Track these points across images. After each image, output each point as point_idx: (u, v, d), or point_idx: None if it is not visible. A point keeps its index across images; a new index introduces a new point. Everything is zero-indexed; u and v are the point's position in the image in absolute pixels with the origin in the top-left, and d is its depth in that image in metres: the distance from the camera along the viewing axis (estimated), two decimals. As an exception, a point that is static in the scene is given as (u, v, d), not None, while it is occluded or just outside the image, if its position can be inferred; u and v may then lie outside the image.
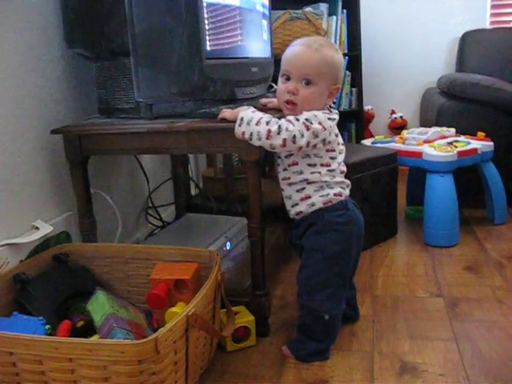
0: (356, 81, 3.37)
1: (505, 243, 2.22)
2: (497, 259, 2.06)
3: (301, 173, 1.40)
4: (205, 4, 1.42)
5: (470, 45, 3.27)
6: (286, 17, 2.84)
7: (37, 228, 1.55)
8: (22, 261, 1.46)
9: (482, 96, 2.52)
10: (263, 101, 1.61)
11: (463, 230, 2.30)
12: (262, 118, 1.33)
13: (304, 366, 1.42)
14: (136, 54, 1.43)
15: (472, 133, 2.44)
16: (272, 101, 1.57)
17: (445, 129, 2.46)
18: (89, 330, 1.30)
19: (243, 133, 1.34)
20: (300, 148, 1.33)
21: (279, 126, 1.31)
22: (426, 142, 2.30)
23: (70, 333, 1.29)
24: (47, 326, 1.23)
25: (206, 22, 1.43)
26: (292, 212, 1.46)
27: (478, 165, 2.35)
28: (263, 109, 1.54)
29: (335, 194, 1.41)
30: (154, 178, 2.27)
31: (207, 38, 1.43)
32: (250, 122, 1.33)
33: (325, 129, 1.35)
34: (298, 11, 2.88)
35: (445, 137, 2.39)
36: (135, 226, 2.18)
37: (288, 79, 1.40)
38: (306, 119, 1.33)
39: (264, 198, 2.12)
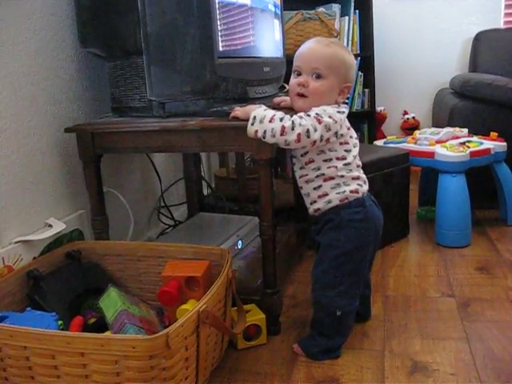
0: (368, 81, 3.37)
1: (518, 244, 2.21)
2: (509, 260, 2.05)
3: (318, 169, 1.41)
4: (217, 4, 1.43)
5: (483, 45, 3.25)
6: (298, 17, 2.84)
7: (50, 225, 1.56)
8: (35, 257, 1.48)
9: (495, 96, 2.50)
10: (276, 100, 1.61)
11: (475, 230, 2.29)
12: (275, 115, 1.34)
13: (314, 364, 1.42)
14: (149, 53, 1.44)
15: (485, 133, 2.42)
16: (285, 99, 1.57)
17: (457, 129, 2.45)
18: (101, 326, 1.31)
19: (256, 131, 1.35)
20: (314, 142, 1.34)
21: (293, 122, 1.32)
22: (439, 142, 2.30)
23: (82, 329, 1.31)
24: (60, 322, 1.24)
25: (219, 21, 1.44)
26: (311, 209, 1.47)
27: (491, 165, 2.33)
28: (276, 108, 1.55)
29: (351, 191, 1.41)
30: (166, 178, 2.28)
31: (219, 37, 1.44)
32: (263, 119, 1.34)
33: (336, 121, 1.36)
34: (310, 12, 2.89)
35: (457, 137, 2.38)
36: (147, 225, 2.19)
37: (299, 74, 1.43)
38: (317, 114, 1.35)
39: (276, 197, 2.13)
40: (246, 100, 1.57)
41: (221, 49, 1.45)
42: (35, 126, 1.54)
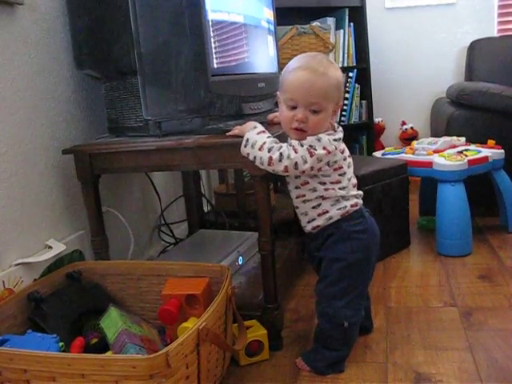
0: (365, 93, 3.38)
1: (519, 251, 2.20)
2: (511, 267, 2.04)
3: (315, 190, 1.41)
4: (210, 22, 1.45)
5: (478, 53, 3.27)
6: (293, 32, 2.87)
7: (50, 247, 1.57)
8: (35, 279, 1.48)
9: (491, 104, 2.51)
10: (270, 116, 1.62)
11: (476, 238, 2.29)
12: (265, 142, 1.34)
13: (318, 378, 1.42)
14: (143, 74, 1.45)
15: (482, 141, 2.43)
16: (278, 115, 1.58)
17: (455, 138, 2.46)
18: (103, 346, 1.31)
19: (248, 154, 1.37)
20: (303, 172, 1.35)
21: (281, 154, 1.32)
22: (436, 151, 2.30)
23: (83, 349, 1.31)
24: (61, 344, 1.24)
25: (213, 39, 1.45)
26: (308, 227, 1.47)
27: (490, 173, 2.34)
28: (270, 123, 1.56)
29: (352, 205, 1.42)
30: (166, 195, 2.29)
31: (213, 55, 1.46)
32: (254, 145, 1.35)
33: (329, 152, 1.35)
34: (305, 26, 2.90)
35: (455, 146, 2.39)
36: (148, 244, 2.20)
37: (294, 107, 1.36)
38: (310, 145, 1.33)
39: (276, 212, 2.13)
40: (241, 116, 1.58)
41: (214, 66, 1.46)
42: (33, 149, 1.55)
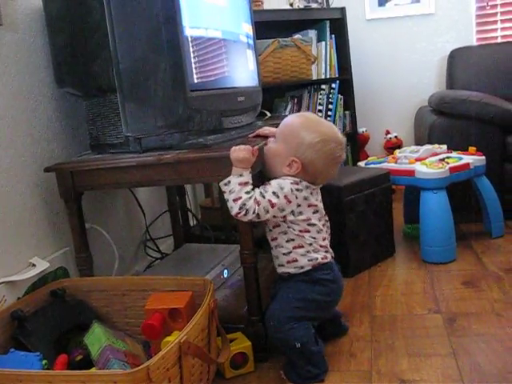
0: (349, 104, 3.41)
1: (502, 256, 2.22)
2: (495, 272, 2.06)
3: (285, 233, 1.47)
4: (188, 38, 1.46)
5: (458, 62, 3.31)
6: (275, 45, 2.89)
7: (34, 265, 1.57)
8: (19, 298, 1.48)
9: (471, 111, 2.54)
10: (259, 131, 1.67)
11: (461, 244, 2.31)
12: (240, 198, 1.39)
13: (302, 389, 1.43)
14: (122, 91, 1.47)
15: (464, 148, 2.46)
16: (269, 129, 1.64)
17: (436, 146, 2.48)
18: (87, 363, 1.31)
19: (224, 192, 1.42)
20: (266, 219, 1.44)
21: (247, 210, 1.39)
22: (418, 159, 2.32)
23: (66, 366, 1.31)
24: (44, 361, 1.24)
25: (190, 54, 1.47)
26: (279, 271, 1.53)
27: (472, 179, 2.36)
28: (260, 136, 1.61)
29: (322, 258, 1.48)
30: (151, 211, 2.30)
31: (192, 70, 1.47)
32: (231, 193, 1.40)
33: (290, 202, 1.42)
34: (286, 39, 2.94)
35: (436, 154, 2.41)
36: (134, 259, 2.20)
37: None
38: (274, 192, 1.41)
39: (260, 224, 2.14)
40: (221, 131, 1.60)
41: (193, 81, 1.48)
42: (15, 167, 1.56)
